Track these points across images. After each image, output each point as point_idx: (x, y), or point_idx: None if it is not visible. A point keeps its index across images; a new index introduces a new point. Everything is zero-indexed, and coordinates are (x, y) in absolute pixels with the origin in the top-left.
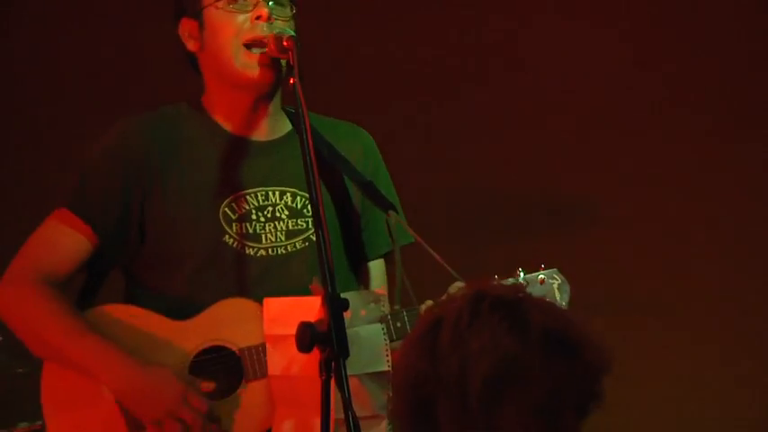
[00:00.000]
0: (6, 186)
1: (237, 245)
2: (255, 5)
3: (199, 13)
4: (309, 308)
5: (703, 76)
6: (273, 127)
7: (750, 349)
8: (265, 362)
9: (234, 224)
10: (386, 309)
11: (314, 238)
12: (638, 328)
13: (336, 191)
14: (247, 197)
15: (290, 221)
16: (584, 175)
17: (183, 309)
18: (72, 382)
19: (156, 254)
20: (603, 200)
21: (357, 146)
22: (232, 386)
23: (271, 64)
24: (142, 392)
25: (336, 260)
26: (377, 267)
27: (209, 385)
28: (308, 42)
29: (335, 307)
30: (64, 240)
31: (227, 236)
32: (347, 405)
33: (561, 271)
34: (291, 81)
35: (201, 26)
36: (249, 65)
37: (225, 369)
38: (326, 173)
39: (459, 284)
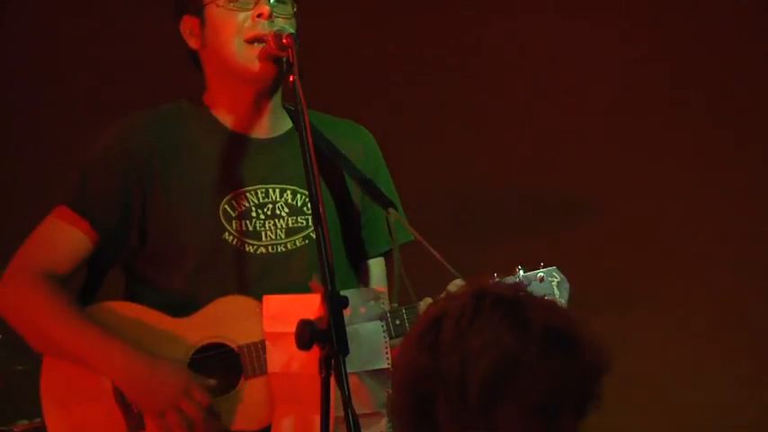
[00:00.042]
0: (6, 186)
1: (237, 242)
2: (257, 3)
3: (200, 11)
4: (309, 305)
5: (703, 76)
6: (274, 124)
7: (750, 349)
8: (264, 359)
9: (234, 221)
10: (385, 306)
11: (314, 236)
12: (637, 328)
13: (336, 188)
14: (247, 194)
15: (290, 219)
16: (584, 174)
17: (183, 306)
18: (71, 377)
19: (156, 253)
20: (603, 199)
21: (357, 144)
22: (231, 383)
23: (272, 58)
24: (145, 384)
25: (336, 258)
26: (377, 265)
27: (208, 382)
28: (308, 41)
29: (335, 304)
30: (64, 238)
31: (226, 233)
32: (347, 402)
33: (560, 269)
34: (291, 78)
35: (203, 24)
36: (251, 58)
37: (224, 366)
38: (327, 170)
39: (458, 282)
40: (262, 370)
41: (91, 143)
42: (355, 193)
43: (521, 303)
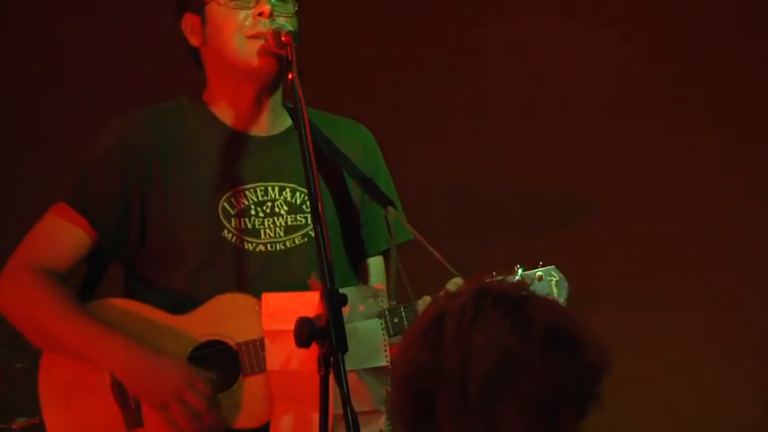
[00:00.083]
0: (6, 186)
1: (236, 240)
2: (258, 2)
3: (201, 9)
4: (308, 303)
5: (703, 76)
6: (274, 122)
7: (750, 349)
8: (263, 356)
9: (233, 219)
10: (384, 304)
11: (313, 234)
12: (637, 327)
13: (336, 187)
14: (246, 192)
15: (289, 217)
16: (584, 174)
17: (182, 303)
18: (70, 373)
19: (156, 251)
20: (603, 199)
21: (357, 142)
22: (229, 381)
23: (272, 54)
24: (147, 377)
25: (335, 256)
26: (376, 264)
27: (209, 376)
28: (309, 40)
29: (334, 302)
30: (63, 235)
31: (225, 231)
32: (346, 400)
33: (559, 268)
34: (290, 76)
35: (204, 21)
36: (251, 53)
37: (222, 364)
38: (326, 169)
39: (457, 281)
40: (260, 367)
41: (91, 140)
42: (354, 191)
43: (523, 302)
